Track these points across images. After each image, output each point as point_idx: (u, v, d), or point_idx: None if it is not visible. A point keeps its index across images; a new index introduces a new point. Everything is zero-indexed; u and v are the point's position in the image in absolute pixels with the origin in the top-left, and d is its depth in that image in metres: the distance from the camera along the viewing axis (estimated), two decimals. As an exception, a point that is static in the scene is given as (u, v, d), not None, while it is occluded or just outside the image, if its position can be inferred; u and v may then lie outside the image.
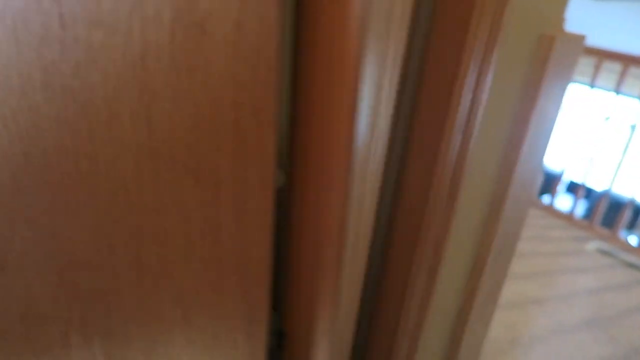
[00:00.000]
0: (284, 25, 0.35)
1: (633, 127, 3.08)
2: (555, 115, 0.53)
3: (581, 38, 0.52)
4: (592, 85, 3.07)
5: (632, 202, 3.12)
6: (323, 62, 0.37)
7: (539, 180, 3.54)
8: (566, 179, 4.60)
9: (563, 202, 4.94)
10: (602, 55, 3.05)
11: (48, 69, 0.35)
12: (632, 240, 3.28)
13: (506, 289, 2.40)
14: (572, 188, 4.72)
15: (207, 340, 0.46)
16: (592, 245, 3.13)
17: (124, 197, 0.39)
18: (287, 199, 0.47)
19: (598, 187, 3.43)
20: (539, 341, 2.10)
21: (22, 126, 0.37)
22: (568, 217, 3.42)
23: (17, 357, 0.48)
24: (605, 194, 3.18)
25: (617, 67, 3.07)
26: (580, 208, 4.56)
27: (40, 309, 0.45)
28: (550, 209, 3.49)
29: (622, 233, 3.48)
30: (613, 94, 3.04)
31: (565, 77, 0.51)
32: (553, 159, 5.35)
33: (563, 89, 0.52)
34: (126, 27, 0.33)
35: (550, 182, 3.69)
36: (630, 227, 3.95)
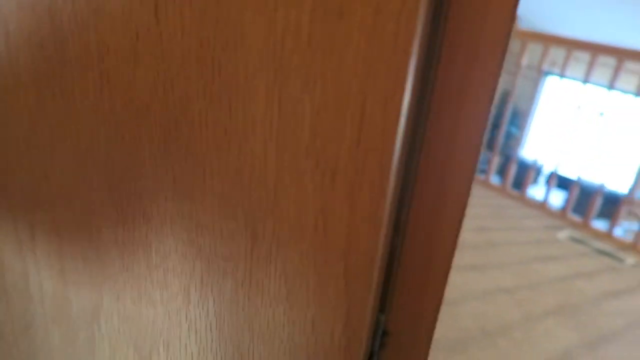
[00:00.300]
0: (428, 10, 0.33)
1: (602, 115, 3.09)
2: (489, 100, 0.47)
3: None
4: (562, 76, 3.03)
5: (602, 190, 3.07)
6: (467, 47, 0.34)
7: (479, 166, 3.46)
8: (547, 170, 4.42)
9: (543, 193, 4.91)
10: (571, 45, 3.00)
11: (203, 44, 0.38)
12: (617, 230, 3.23)
13: (477, 279, 2.38)
14: (564, 182, 4.49)
15: (306, 325, 0.45)
16: (565, 234, 3.05)
17: (250, 173, 0.41)
18: (404, 198, 0.45)
19: (575, 176, 3.40)
20: (509, 329, 2.08)
21: (176, 96, 0.41)
22: (541, 206, 3.34)
23: (148, 300, 0.53)
24: (577, 183, 3.15)
25: (586, 57, 3.04)
26: (557, 198, 4.46)
27: (171, 261, 0.49)
28: (524, 199, 3.44)
29: (595, 222, 3.42)
30: (582, 83, 3.04)
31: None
32: (530, 150, 5.29)
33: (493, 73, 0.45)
34: (272, 6, 0.34)
35: (525, 173, 3.55)
36: (606, 215, 3.71)
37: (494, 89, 0.35)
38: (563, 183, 4.20)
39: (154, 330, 0.55)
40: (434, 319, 0.46)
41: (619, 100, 4.68)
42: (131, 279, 0.52)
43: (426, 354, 0.48)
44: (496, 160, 3.67)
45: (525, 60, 3.18)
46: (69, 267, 0.55)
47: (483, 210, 3.20)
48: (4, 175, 0.52)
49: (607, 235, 3.08)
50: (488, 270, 2.50)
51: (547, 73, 5.87)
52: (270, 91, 0.37)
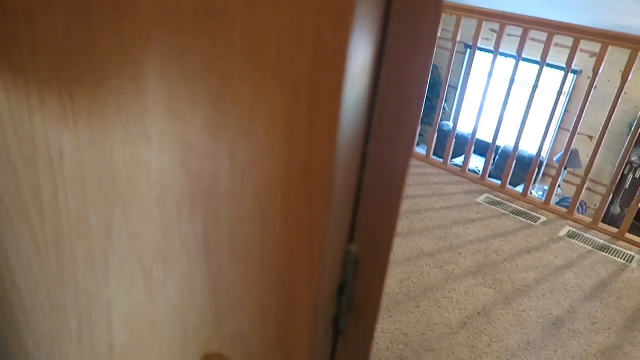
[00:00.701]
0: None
1: (512, 82, 3.00)
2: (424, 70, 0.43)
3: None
4: (478, 48, 3.09)
5: (517, 154, 3.14)
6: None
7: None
8: (469, 138, 4.26)
9: (475, 161, 4.90)
10: (481, 16, 3.02)
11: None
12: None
13: (402, 245, 2.42)
14: (483, 148, 4.36)
15: (275, 244, 0.48)
16: (484, 198, 3.11)
17: (229, 95, 0.44)
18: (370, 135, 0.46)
19: (495, 143, 3.32)
20: (431, 291, 2.11)
21: (172, 25, 0.45)
22: (463, 173, 3.38)
23: (149, 217, 0.58)
24: (493, 148, 3.21)
25: (495, 26, 3.08)
26: (481, 164, 4.28)
27: (167, 180, 0.53)
28: (447, 167, 3.46)
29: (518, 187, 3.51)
30: (492, 54, 3.07)
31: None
32: (454, 120, 5.21)
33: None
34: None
35: (451, 142, 3.51)
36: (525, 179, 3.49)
37: (435, 31, 0.36)
38: (486, 150, 4.26)
39: (154, 247, 0.59)
40: (391, 246, 0.47)
41: (528, 69, 4.62)
42: (136, 196, 0.56)
43: (384, 279, 0.49)
44: (419, 130, 3.76)
45: (439, 33, 3.23)
46: (88, 185, 0.60)
47: (407, 179, 3.34)
48: (40, 96, 0.59)
49: (523, 197, 3.14)
50: (412, 236, 2.55)
51: (466, 45, 5.85)
52: (245, 15, 0.39)
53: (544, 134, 2.99)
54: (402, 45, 0.40)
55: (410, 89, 0.43)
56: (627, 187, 5.13)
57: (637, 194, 2.68)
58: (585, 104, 2.78)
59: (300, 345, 0.47)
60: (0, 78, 0.61)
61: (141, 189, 0.55)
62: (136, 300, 0.66)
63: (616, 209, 5.13)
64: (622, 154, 2.76)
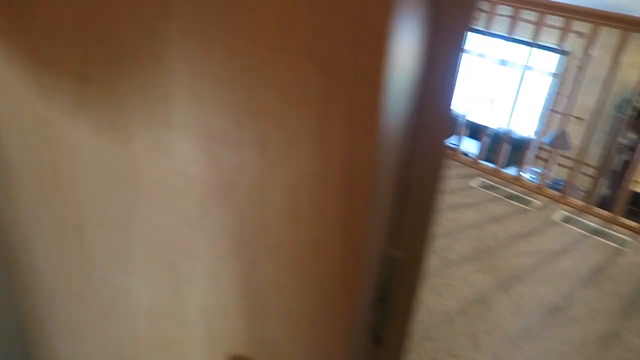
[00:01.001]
0: None
1: (504, 63, 2.97)
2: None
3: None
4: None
5: (510, 136, 2.93)
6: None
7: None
8: (462, 121, 4.06)
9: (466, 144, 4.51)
10: None
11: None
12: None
13: None
14: (475, 131, 4.04)
15: (309, 244, 0.41)
16: (477, 182, 2.92)
17: (257, 74, 0.36)
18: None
19: (487, 125, 3.16)
20: (428, 278, 1.96)
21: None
22: (455, 156, 3.19)
23: (173, 208, 0.51)
24: (486, 131, 3.00)
25: (486, 6, 2.86)
26: (474, 148, 4.14)
27: (189, 170, 0.46)
28: None
29: (509, 169, 3.22)
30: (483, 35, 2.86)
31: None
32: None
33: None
34: None
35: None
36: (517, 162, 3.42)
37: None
38: (477, 133, 3.91)
39: (177, 241, 0.53)
40: (429, 248, 0.40)
41: (519, 50, 4.30)
42: (158, 186, 0.49)
43: (421, 285, 0.43)
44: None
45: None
46: (107, 173, 0.53)
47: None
48: (56, 75, 0.51)
49: (517, 180, 2.94)
50: (405, 221, 2.42)
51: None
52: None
53: (539, 116, 2.88)
54: (444, 26, 0.33)
55: (448, 76, 0.35)
56: (613, 168, 5.02)
57: (630, 176, 2.59)
58: (578, 86, 2.65)
59: (338, 358, 0.41)
60: (16, 57, 0.54)
61: (163, 179, 0.48)
62: (159, 295, 0.60)
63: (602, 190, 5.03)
64: (612, 136, 2.65)
